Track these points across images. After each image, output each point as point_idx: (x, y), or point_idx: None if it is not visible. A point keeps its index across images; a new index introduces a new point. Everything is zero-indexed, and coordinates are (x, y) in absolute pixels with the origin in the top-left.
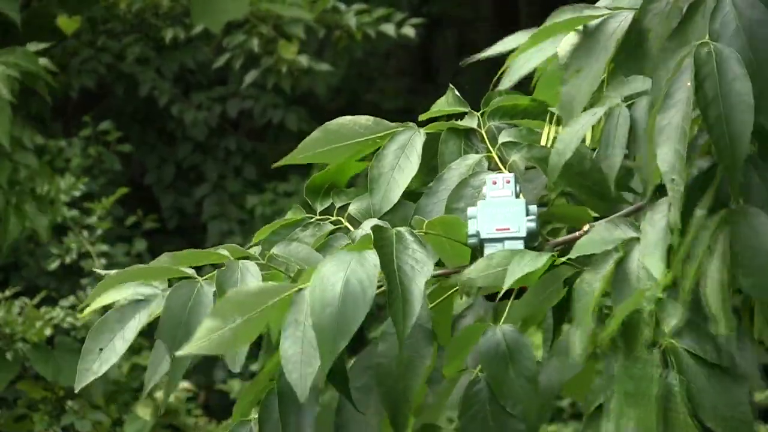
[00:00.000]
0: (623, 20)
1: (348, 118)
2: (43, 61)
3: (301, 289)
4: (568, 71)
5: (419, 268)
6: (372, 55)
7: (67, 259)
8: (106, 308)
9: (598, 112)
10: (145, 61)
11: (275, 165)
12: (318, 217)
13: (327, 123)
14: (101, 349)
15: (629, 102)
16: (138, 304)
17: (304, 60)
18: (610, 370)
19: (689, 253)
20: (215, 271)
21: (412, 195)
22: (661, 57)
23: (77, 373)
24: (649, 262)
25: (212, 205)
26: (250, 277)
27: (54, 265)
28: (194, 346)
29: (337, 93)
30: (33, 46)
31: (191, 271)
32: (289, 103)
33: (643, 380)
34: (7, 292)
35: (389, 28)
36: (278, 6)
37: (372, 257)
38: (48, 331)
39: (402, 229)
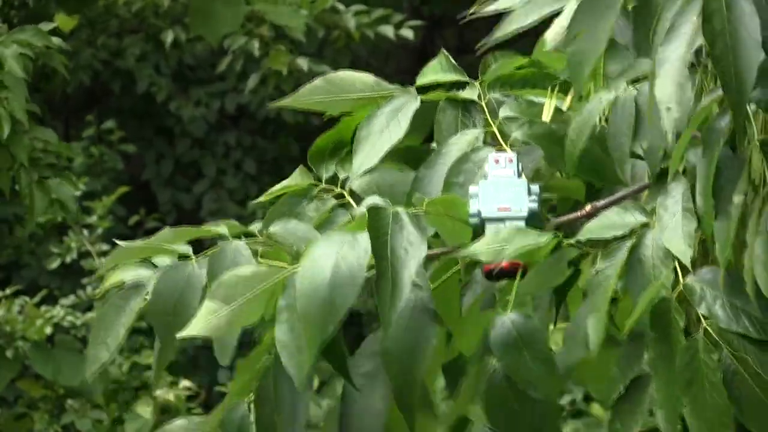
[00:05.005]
0: None
1: (351, 72)
2: (56, 40)
3: (294, 273)
4: (570, 32)
5: (412, 251)
6: (372, 55)
7: (68, 259)
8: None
9: (605, 97)
10: (143, 57)
11: (272, 105)
12: (323, 186)
13: (330, 74)
14: (106, 336)
15: (635, 85)
16: (135, 288)
17: (303, 63)
18: (627, 360)
19: (736, 240)
20: (208, 252)
21: (410, 151)
22: None
23: (87, 362)
24: (674, 248)
25: (210, 202)
26: (243, 261)
27: (55, 264)
28: (192, 330)
29: None
30: (45, 26)
31: (187, 249)
32: (286, 95)
33: (693, 368)
34: (8, 291)
35: (388, 30)
36: (271, 9)
37: (364, 241)
38: (48, 330)
39: (399, 209)
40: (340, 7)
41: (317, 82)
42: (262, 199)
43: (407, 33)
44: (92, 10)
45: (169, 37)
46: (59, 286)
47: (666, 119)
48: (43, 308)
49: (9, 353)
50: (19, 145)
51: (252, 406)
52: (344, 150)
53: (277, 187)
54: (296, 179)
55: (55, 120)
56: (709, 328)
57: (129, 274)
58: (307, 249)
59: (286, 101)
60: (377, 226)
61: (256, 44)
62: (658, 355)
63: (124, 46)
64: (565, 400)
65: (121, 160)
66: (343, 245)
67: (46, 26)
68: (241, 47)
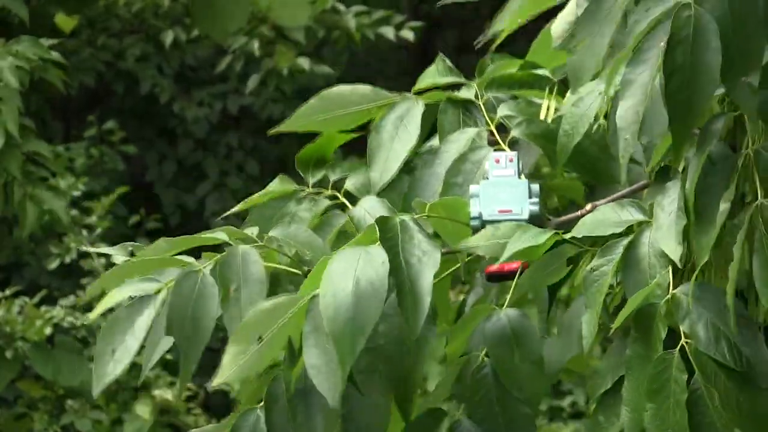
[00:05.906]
0: None
1: (346, 86)
2: (54, 53)
3: (314, 297)
4: (574, 40)
5: (426, 260)
6: (372, 55)
7: (67, 259)
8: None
9: (599, 90)
10: (145, 59)
11: (271, 132)
12: (310, 189)
13: (325, 91)
14: (114, 351)
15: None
16: (144, 299)
17: (304, 63)
18: (617, 355)
19: (719, 244)
20: (216, 258)
21: (405, 165)
22: (641, 6)
23: (94, 377)
24: (666, 246)
25: (214, 203)
26: (253, 265)
27: (54, 264)
28: (224, 375)
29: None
30: (42, 42)
31: (191, 260)
32: (289, 98)
33: (663, 379)
34: (8, 291)
35: (388, 31)
36: (276, 7)
37: (379, 254)
38: (48, 330)
39: (406, 218)
40: (341, 7)
41: (312, 101)
42: (240, 208)
43: (407, 34)
44: (92, 10)
45: (168, 37)
46: (59, 287)
47: (621, 149)
48: (43, 308)
49: (9, 354)
50: (11, 159)
51: (262, 412)
52: (328, 159)
53: (257, 195)
54: (277, 186)
55: (56, 120)
56: (687, 348)
57: (129, 290)
58: (321, 269)
59: (286, 125)
60: (388, 237)
61: (256, 44)
62: (635, 355)
63: (124, 46)
64: (565, 402)
65: (122, 160)
66: (358, 261)
67: (44, 41)
68: (242, 47)
